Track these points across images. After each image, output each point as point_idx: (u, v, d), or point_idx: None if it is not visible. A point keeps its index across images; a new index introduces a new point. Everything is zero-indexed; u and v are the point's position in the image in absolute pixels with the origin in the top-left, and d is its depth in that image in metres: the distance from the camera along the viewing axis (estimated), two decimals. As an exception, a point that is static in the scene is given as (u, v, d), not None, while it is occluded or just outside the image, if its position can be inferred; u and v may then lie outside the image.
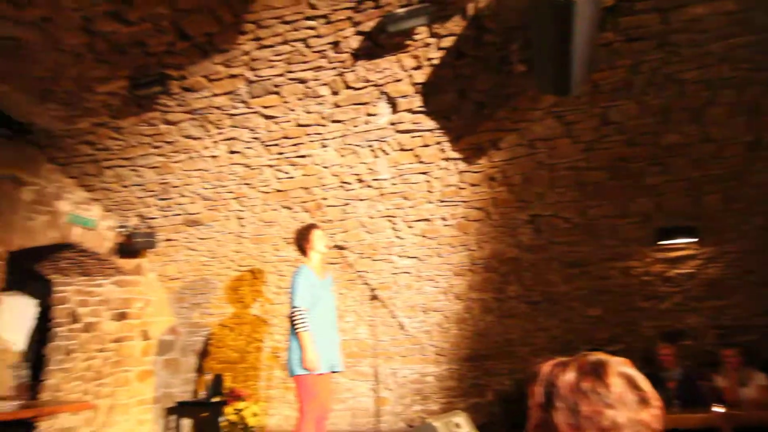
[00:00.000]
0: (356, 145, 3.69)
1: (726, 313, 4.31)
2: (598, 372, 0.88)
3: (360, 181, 3.98)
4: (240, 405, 4.89)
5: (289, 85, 3.28)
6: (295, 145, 3.74)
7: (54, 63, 3.10)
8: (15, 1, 2.66)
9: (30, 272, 4.81)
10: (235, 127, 3.62)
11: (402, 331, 4.95)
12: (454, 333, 4.93)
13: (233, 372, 5.50)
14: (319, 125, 3.57)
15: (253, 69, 3.16)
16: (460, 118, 3.39)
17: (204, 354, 5.66)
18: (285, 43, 2.96)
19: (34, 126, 3.74)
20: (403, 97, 3.29)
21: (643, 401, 0.85)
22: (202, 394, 5.32)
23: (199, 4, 2.71)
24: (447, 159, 3.68)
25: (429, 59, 3.02)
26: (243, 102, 3.40)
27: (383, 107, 3.39)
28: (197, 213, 4.50)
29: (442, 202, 4.02)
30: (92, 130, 3.71)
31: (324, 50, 3.01)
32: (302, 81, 3.24)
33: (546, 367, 0.93)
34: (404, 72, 3.13)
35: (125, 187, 4.29)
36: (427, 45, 2.93)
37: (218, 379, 5.27)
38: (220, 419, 4.87)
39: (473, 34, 2.82)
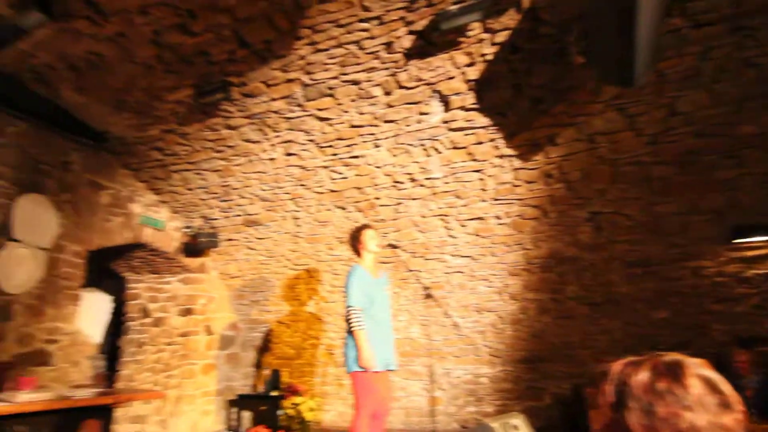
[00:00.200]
0: (409, 145, 3.71)
1: (812, 317, 3.95)
2: (674, 373, 0.84)
3: (412, 180, 3.99)
4: (297, 400, 5.03)
5: (342, 87, 3.34)
6: (348, 145, 3.81)
7: (127, 75, 3.34)
8: (93, 19, 2.88)
9: (105, 270, 5.19)
10: (292, 129, 3.73)
11: (455, 331, 4.91)
12: (509, 334, 4.83)
13: (290, 368, 5.67)
14: (371, 126, 3.61)
15: (308, 73, 3.25)
16: (515, 114, 3.32)
17: (262, 349, 5.87)
18: (339, 46, 3.03)
19: (111, 134, 4.04)
20: (455, 94, 3.27)
21: (725, 405, 0.81)
22: (261, 388, 5.52)
23: (257, 12, 2.83)
24: (501, 156, 3.62)
25: (482, 55, 2.98)
26: (299, 105, 3.51)
27: (436, 106, 3.38)
28: (256, 214, 4.68)
29: (496, 200, 3.95)
30: (161, 137, 3.95)
31: (377, 51, 3.05)
32: (355, 82, 3.30)
33: (617, 366, 0.90)
34: (457, 69, 3.11)
35: (190, 189, 4.54)
36: (481, 41, 2.90)
37: (276, 374, 5.45)
38: (279, 413, 5.03)
39: (528, 27, 2.76)
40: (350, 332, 3.29)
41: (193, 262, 5.18)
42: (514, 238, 4.19)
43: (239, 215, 4.76)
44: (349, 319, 3.28)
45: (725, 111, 3.02)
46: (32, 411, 2.54)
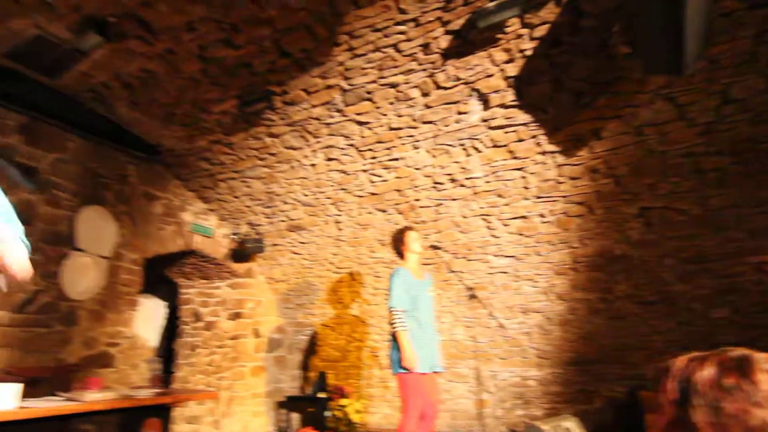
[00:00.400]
0: (448, 145, 3.70)
1: None
2: (742, 368, 0.81)
3: (452, 180, 3.97)
4: (344, 401, 5.09)
5: (380, 91, 3.38)
6: (387, 148, 3.85)
7: (176, 89, 3.51)
8: (144, 38, 3.05)
9: (160, 277, 5.45)
10: (332, 135, 3.81)
11: (500, 333, 4.84)
12: (557, 335, 4.71)
13: (335, 370, 5.75)
14: (410, 127, 3.63)
15: (347, 78, 3.31)
16: (557, 109, 3.26)
17: (308, 352, 5.98)
18: (377, 50, 3.07)
19: (162, 147, 4.25)
20: (495, 92, 3.24)
21: (796, 401, 0.77)
22: (308, 389, 5.63)
23: (296, 22, 2.91)
24: (543, 153, 3.55)
25: (521, 51, 2.94)
26: (338, 111, 3.57)
27: (474, 104, 3.36)
28: (299, 219, 4.79)
29: (540, 198, 3.88)
30: (208, 147, 4.12)
31: (414, 53, 3.06)
32: (393, 85, 3.32)
33: (680, 362, 0.87)
34: (495, 67, 3.08)
35: (236, 197, 4.71)
36: (519, 36, 2.86)
37: (322, 376, 5.54)
38: (326, 414, 5.11)
39: (569, 20, 2.70)
40: (394, 334, 3.31)
41: (240, 267, 5.36)
42: (559, 236, 4.09)
43: (283, 221, 4.88)
44: (392, 320, 3.30)
45: (786, 95, 2.84)
46: (99, 410, 2.69)
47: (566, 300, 4.47)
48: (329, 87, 3.39)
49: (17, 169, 1.15)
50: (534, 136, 3.46)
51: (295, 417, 5.56)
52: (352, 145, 3.87)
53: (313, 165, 4.15)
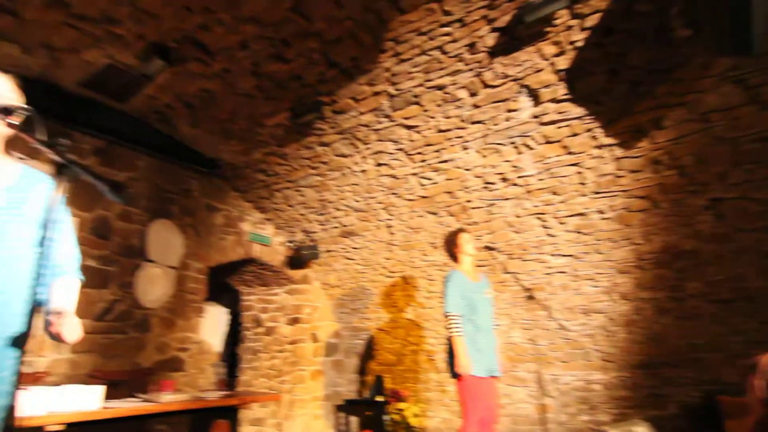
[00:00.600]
0: (498, 144, 3.64)
1: None
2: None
3: (504, 180, 3.90)
4: (401, 405, 5.10)
5: (427, 94, 3.39)
6: (437, 151, 3.84)
7: (232, 105, 3.69)
8: (202, 59, 3.23)
9: (222, 285, 5.71)
10: (381, 140, 3.85)
11: (561, 335, 4.67)
12: (622, 337, 4.49)
13: (392, 374, 5.77)
14: (459, 129, 3.61)
15: (393, 84, 3.34)
16: (613, 101, 3.13)
17: (365, 356, 6.05)
18: (422, 53, 3.08)
19: (221, 161, 4.47)
20: (545, 87, 3.16)
21: None
22: (366, 393, 5.68)
23: (343, 32, 2.98)
24: (600, 146, 3.41)
25: (572, 42, 2.86)
26: (386, 116, 3.61)
27: (524, 101, 3.30)
28: (351, 225, 4.87)
29: (598, 193, 3.73)
30: (263, 159, 4.29)
31: (460, 53, 3.05)
32: (440, 87, 3.32)
33: (767, 359, 0.82)
34: (545, 61, 3.01)
35: (291, 206, 4.86)
36: (569, 28, 2.78)
37: (379, 380, 5.58)
38: (384, 418, 5.14)
39: (622, 6, 2.60)
40: (450, 339, 3.29)
41: (296, 273, 5.52)
42: (620, 232, 3.90)
43: (336, 227, 4.98)
44: (448, 325, 3.28)
45: None
46: (172, 410, 2.86)
47: (631, 300, 4.26)
48: (376, 93, 3.44)
49: (107, 184, 1.26)
50: (589, 130, 3.34)
51: (354, 420, 5.62)
52: (401, 149, 3.90)
53: (363, 171, 4.21)
